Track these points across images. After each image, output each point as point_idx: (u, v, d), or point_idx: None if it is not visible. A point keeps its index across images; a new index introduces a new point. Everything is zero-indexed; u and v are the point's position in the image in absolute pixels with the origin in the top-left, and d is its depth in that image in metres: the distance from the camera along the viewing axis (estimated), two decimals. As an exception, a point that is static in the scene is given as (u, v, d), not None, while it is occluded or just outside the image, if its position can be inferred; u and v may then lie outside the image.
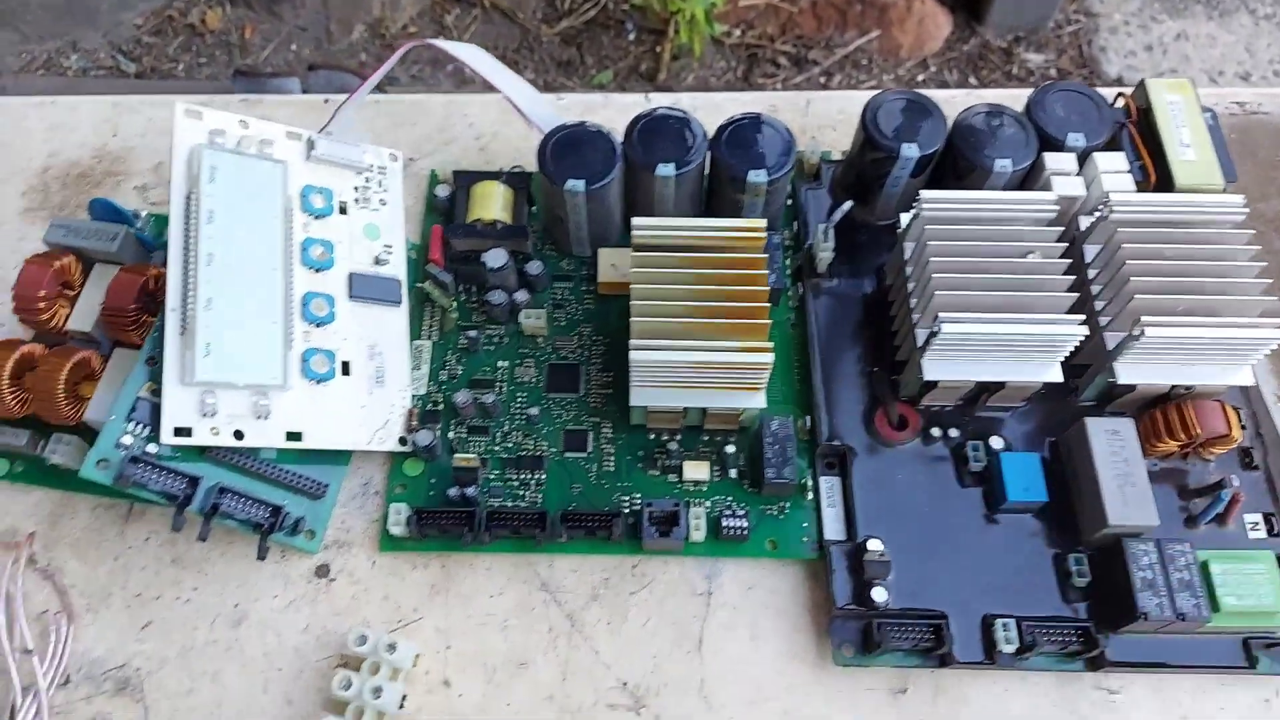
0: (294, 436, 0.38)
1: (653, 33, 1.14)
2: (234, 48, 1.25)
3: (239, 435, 0.37)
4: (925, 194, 0.38)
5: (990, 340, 0.36)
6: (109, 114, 0.51)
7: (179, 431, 0.36)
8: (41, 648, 0.37)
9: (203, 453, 0.37)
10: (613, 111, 0.52)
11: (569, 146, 0.42)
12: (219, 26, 1.24)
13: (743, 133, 0.42)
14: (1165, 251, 0.37)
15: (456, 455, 0.39)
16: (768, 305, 0.37)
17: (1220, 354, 0.37)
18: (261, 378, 0.37)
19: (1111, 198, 0.38)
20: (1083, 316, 0.36)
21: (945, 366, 0.38)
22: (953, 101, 0.45)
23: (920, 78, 1.14)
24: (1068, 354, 0.37)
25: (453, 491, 0.39)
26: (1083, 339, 0.36)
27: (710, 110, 0.51)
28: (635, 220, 0.39)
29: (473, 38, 1.20)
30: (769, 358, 0.35)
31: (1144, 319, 0.36)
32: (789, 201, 0.47)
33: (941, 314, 0.36)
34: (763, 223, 0.39)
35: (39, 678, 0.36)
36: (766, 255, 0.38)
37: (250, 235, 0.39)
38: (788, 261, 0.45)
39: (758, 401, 0.38)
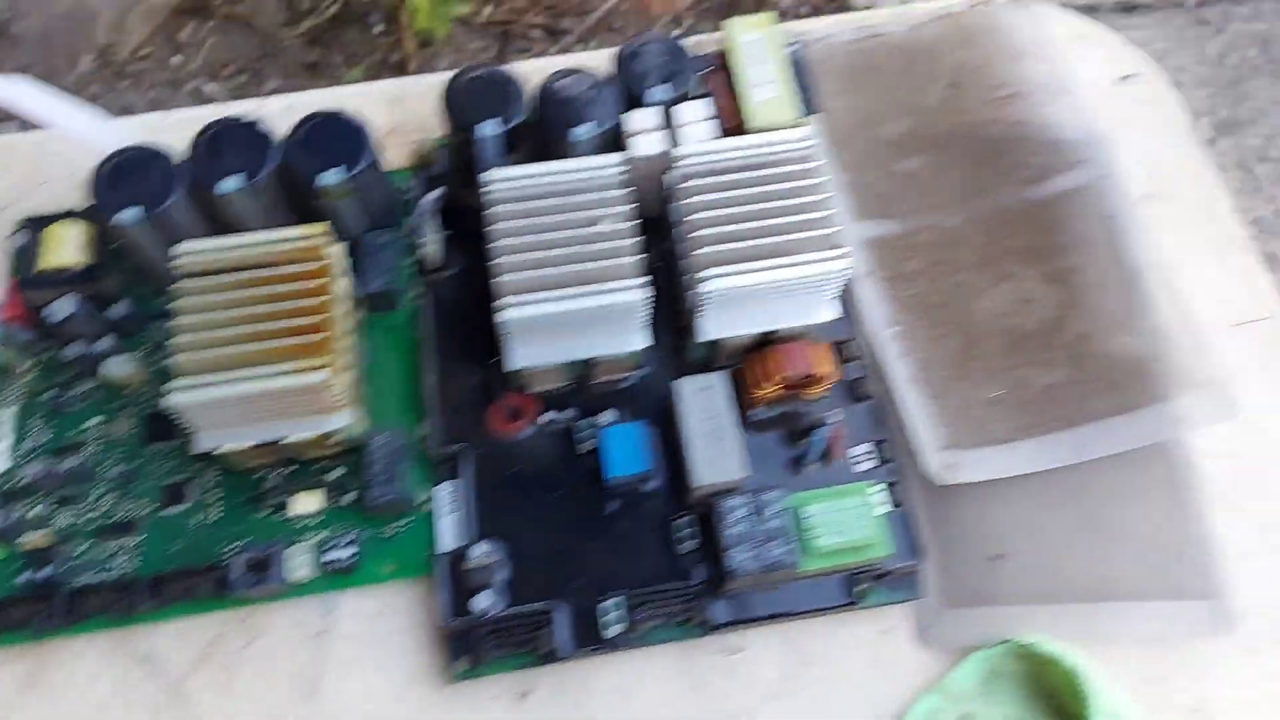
0: None
1: (398, 22, 1.10)
2: (-45, 96, 1.15)
3: None
4: (489, 175, 0.37)
5: (565, 319, 0.35)
6: None
7: None
8: None
9: None
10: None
11: (123, 173, 0.39)
12: (-70, 75, 1.14)
13: (315, 134, 0.40)
14: (730, 199, 0.36)
15: (22, 537, 0.36)
16: (325, 317, 0.34)
17: (796, 294, 0.36)
18: None
19: (672, 152, 0.37)
20: (641, 281, 0.35)
21: (526, 353, 0.36)
22: (544, 69, 0.43)
23: (675, 34, 1.13)
24: (647, 319, 0.36)
25: (24, 577, 0.35)
26: (661, 302, 0.35)
27: (333, 105, 0.48)
28: (181, 245, 0.36)
29: (211, 52, 1.13)
30: (321, 376, 0.33)
31: (702, 273, 0.35)
32: (407, 197, 0.44)
33: (503, 300, 0.34)
34: (320, 227, 0.36)
35: None
36: (331, 262, 0.36)
37: None
38: (405, 261, 0.43)
39: (339, 421, 0.36)
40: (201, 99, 1.09)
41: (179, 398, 0.33)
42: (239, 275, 0.35)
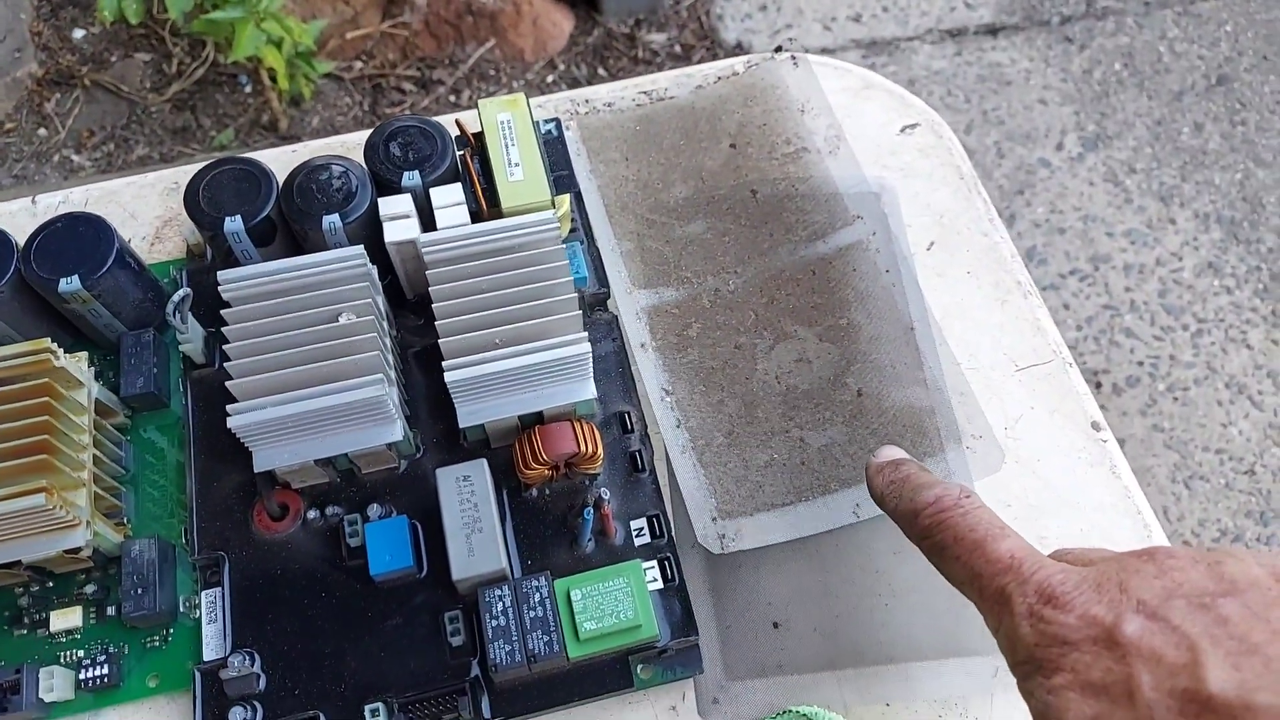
0: None
1: (263, 83, 1.09)
2: None
3: None
4: (221, 275, 0.36)
5: (304, 420, 0.34)
6: None
7: None
8: None
9: None
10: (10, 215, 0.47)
11: None
12: None
13: (56, 238, 0.38)
14: (478, 285, 0.36)
15: None
16: (45, 438, 0.33)
17: (549, 377, 0.36)
18: None
19: (418, 239, 0.37)
20: (386, 376, 0.34)
21: (275, 454, 0.35)
22: (299, 157, 0.43)
23: (550, 78, 1.14)
24: (390, 412, 0.35)
25: None
26: (392, 396, 0.34)
27: (106, 202, 0.47)
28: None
29: (77, 121, 1.11)
30: (37, 500, 0.32)
31: (446, 363, 0.34)
32: (174, 292, 0.43)
33: (234, 405, 0.33)
34: (44, 342, 0.35)
35: None
36: (49, 379, 0.35)
37: None
38: (176, 360, 0.42)
39: (80, 538, 0.35)
40: (69, 170, 1.07)
41: (-113, 533, 0.31)
42: (-39, 399, 0.34)
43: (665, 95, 0.50)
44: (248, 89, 1.09)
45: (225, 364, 0.34)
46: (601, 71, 1.14)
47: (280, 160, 0.47)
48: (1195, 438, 0.96)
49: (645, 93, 0.50)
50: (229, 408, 0.33)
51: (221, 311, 0.35)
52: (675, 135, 0.48)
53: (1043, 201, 1.14)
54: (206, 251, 0.43)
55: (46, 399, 0.34)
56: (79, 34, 1.14)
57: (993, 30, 1.27)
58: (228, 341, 0.35)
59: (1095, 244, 1.12)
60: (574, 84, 1.12)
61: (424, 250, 0.37)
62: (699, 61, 1.16)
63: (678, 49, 1.15)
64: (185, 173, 0.49)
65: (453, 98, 1.10)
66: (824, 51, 1.20)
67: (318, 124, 1.08)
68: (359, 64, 1.11)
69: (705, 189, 0.46)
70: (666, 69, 1.15)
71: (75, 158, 1.06)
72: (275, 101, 1.04)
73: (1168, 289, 1.08)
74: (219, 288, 0.36)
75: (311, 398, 0.34)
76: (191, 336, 0.40)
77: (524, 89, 1.11)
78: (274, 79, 0.99)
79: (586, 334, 0.35)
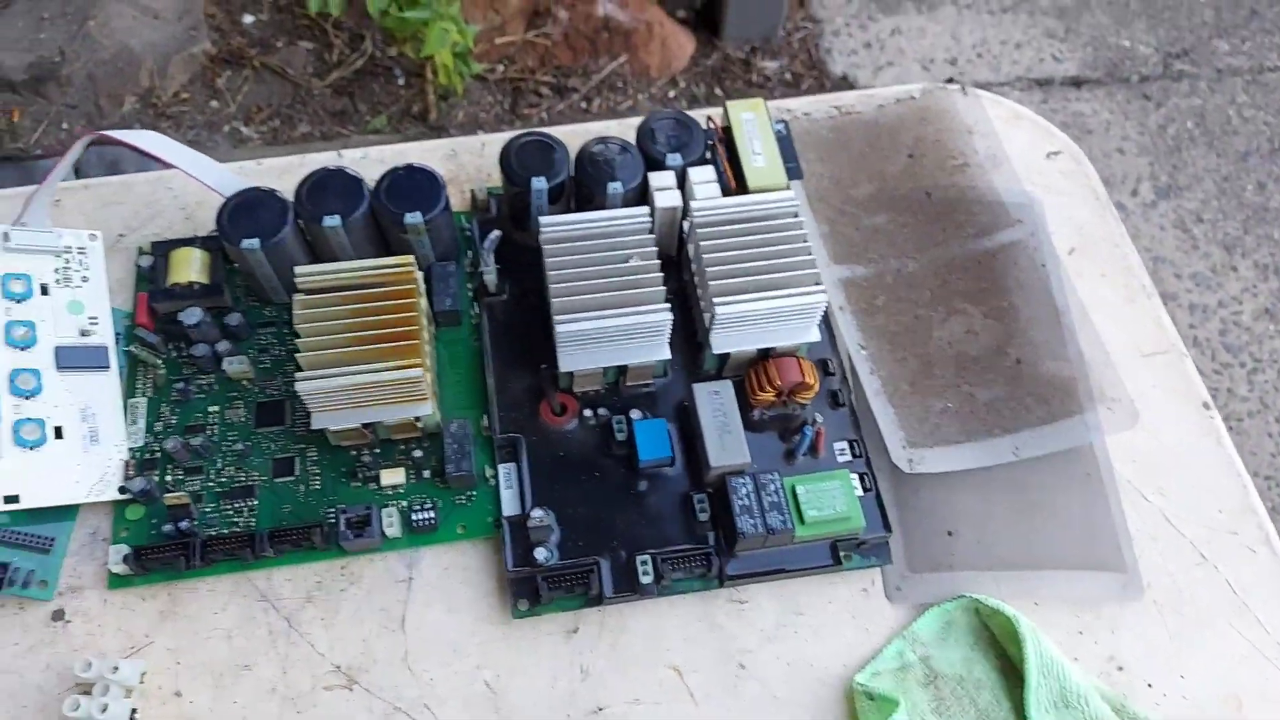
0: (11, 499, 0.42)
1: (420, 76, 1.20)
2: (3, 133, 1.24)
3: (-46, 507, 0.41)
4: (543, 220, 0.46)
5: (604, 333, 0.44)
6: None
7: (-107, 512, 0.40)
8: None
9: (-78, 528, 0.41)
10: (307, 170, 0.57)
11: (244, 209, 0.48)
12: (-19, 112, 1.23)
13: (400, 183, 0.49)
14: (736, 243, 0.46)
15: (166, 495, 0.44)
16: (417, 328, 0.44)
17: (787, 319, 0.46)
18: (-31, 453, 0.41)
19: (692, 205, 0.47)
20: (668, 305, 0.44)
21: (576, 358, 0.46)
22: (583, 134, 0.53)
23: (671, 94, 1.25)
24: (668, 335, 0.45)
25: (169, 528, 0.44)
26: (683, 323, 0.44)
27: (397, 160, 0.57)
28: (299, 268, 0.45)
29: (246, 98, 1.23)
30: (417, 372, 0.42)
31: (716, 300, 0.44)
32: (466, 233, 0.54)
33: (557, 316, 0.44)
34: (409, 259, 0.45)
35: None
36: (416, 285, 0.45)
37: (-52, 327, 0.43)
38: (468, 286, 0.52)
39: (425, 409, 0.45)
40: (238, 140, 1.19)
41: (304, 386, 0.42)
42: (348, 293, 0.44)
43: (853, 111, 0.60)
44: (400, 81, 1.21)
45: (550, 285, 0.45)
46: (718, 91, 1.25)
47: (566, 135, 0.56)
48: (1248, 464, 1.05)
49: (836, 108, 0.60)
50: (558, 317, 0.43)
51: (543, 247, 0.46)
52: (862, 144, 0.58)
53: (1116, 242, 1.23)
54: (490, 205, 0.54)
55: (415, 299, 0.44)
56: (248, 19, 1.26)
57: (1077, 83, 1.37)
58: (546, 270, 0.45)
59: (1164, 283, 1.21)
60: (693, 101, 1.23)
61: (695, 214, 0.47)
62: (807, 89, 1.27)
63: (788, 76, 1.26)
64: (460, 143, 0.59)
65: (584, 104, 1.21)
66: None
67: (463, 118, 1.19)
68: (501, 67, 1.23)
69: (887, 189, 0.56)
70: (777, 95, 1.26)
71: (244, 129, 1.18)
72: (431, 94, 1.15)
73: (1227, 329, 1.17)
74: (540, 230, 0.46)
75: (611, 316, 0.44)
76: (489, 269, 0.50)
77: (647, 102, 1.22)
78: (435, 73, 1.10)
79: (823, 286, 0.45)
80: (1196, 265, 1.25)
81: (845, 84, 1.27)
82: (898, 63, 1.29)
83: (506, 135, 0.57)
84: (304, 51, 1.23)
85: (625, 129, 0.58)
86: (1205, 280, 1.24)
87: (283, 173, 0.57)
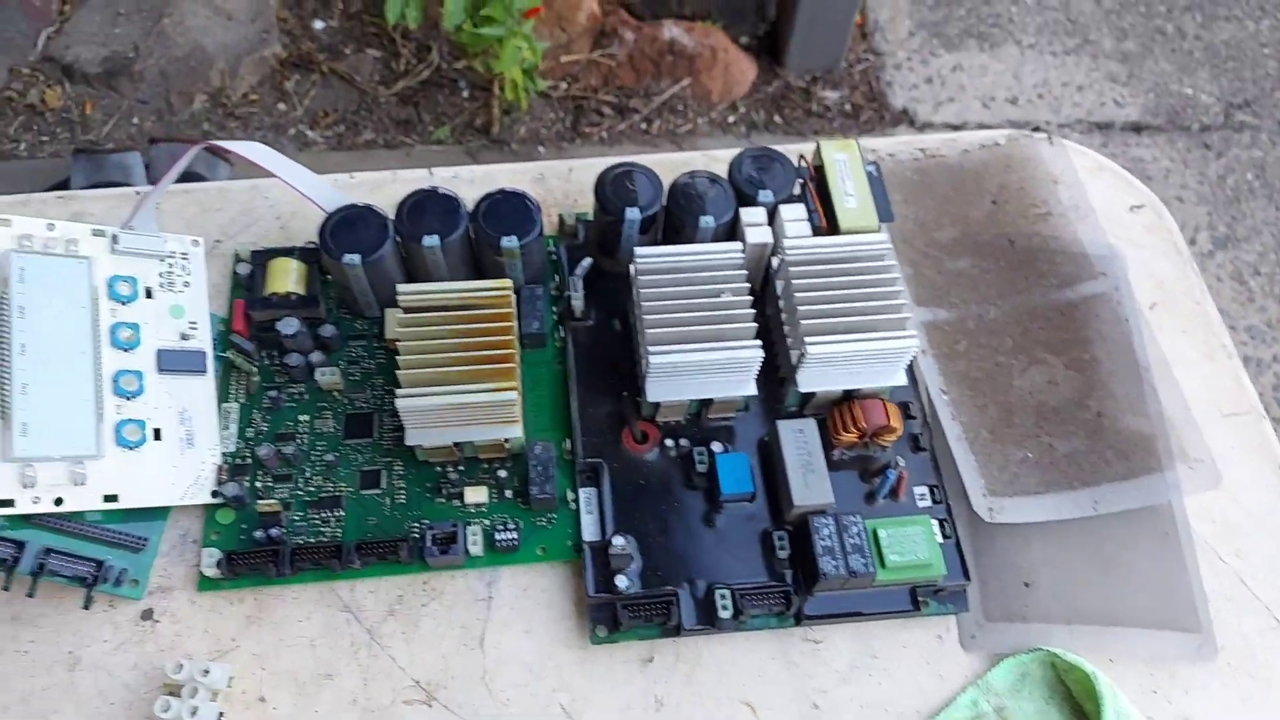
0: (111, 498, 0.43)
1: (484, 89, 1.22)
2: (75, 125, 1.27)
3: (59, 501, 0.42)
4: (638, 251, 0.47)
5: (693, 366, 0.45)
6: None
7: (2, 503, 0.41)
8: (-117, 711, 0.41)
9: (26, 520, 0.42)
10: (399, 187, 0.58)
11: (346, 225, 0.49)
12: (59, 105, 1.26)
13: (497, 206, 0.50)
14: (828, 284, 0.47)
15: (260, 502, 0.45)
16: (513, 351, 0.44)
17: (875, 362, 0.46)
18: (76, 450, 0.42)
19: (784, 243, 0.47)
20: (759, 342, 0.45)
21: (663, 389, 0.46)
22: (685, 164, 0.54)
23: (731, 119, 1.26)
24: (758, 372, 0.46)
25: (259, 534, 0.45)
26: (770, 360, 0.45)
27: (486, 182, 0.58)
28: (401, 287, 0.46)
29: (313, 102, 1.25)
30: (512, 395, 0.43)
31: (807, 339, 0.45)
32: (552, 258, 0.55)
33: (650, 347, 0.44)
34: (507, 283, 0.46)
35: (-118, 738, 0.41)
36: (512, 310, 0.46)
37: (60, 325, 0.44)
38: (553, 310, 0.53)
39: (515, 432, 0.46)
40: (304, 143, 1.21)
41: (404, 404, 0.43)
42: (447, 313, 0.45)
43: (937, 154, 0.60)
44: (465, 93, 1.23)
45: (642, 316, 0.45)
46: (777, 119, 1.25)
47: (654, 164, 0.57)
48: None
49: (921, 150, 0.60)
50: (652, 349, 0.44)
51: (636, 277, 0.46)
52: (945, 187, 0.59)
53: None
54: (577, 230, 0.55)
55: (511, 322, 0.45)
56: (319, 25, 1.29)
57: (1137, 128, 1.37)
58: (638, 300, 0.46)
59: (1219, 335, 1.20)
60: (752, 127, 1.24)
61: (788, 252, 0.47)
62: (866, 121, 1.27)
63: (848, 107, 1.26)
64: (547, 167, 0.60)
65: (644, 125, 1.23)
66: (980, 128, 1.30)
67: (524, 133, 1.21)
68: (564, 84, 1.24)
69: (970, 234, 0.57)
70: (836, 124, 1.27)
71: (309, 133, 1.20)
72: (496, 108, 1.17)
73: (1283, 385, 1.16)
74: (635, 260, 0.47)
75: (703, 350, 0.44)
76: (577, 295, 0.51)
77: (707, 126, 1.23)
78: (501, 88, 1.12)
79: (915, 331, 0.45)
80: (1252, 318, 1.24)
81: (905, 118, 1.27)
82: (958, 99, 1.29)
83: (593, 161, 0.58)
84: (371, 59, 1.25)
85: (710, 161, 0.59)
86: (1260, 334, 1.23)
87: (374, 188, 0.58)
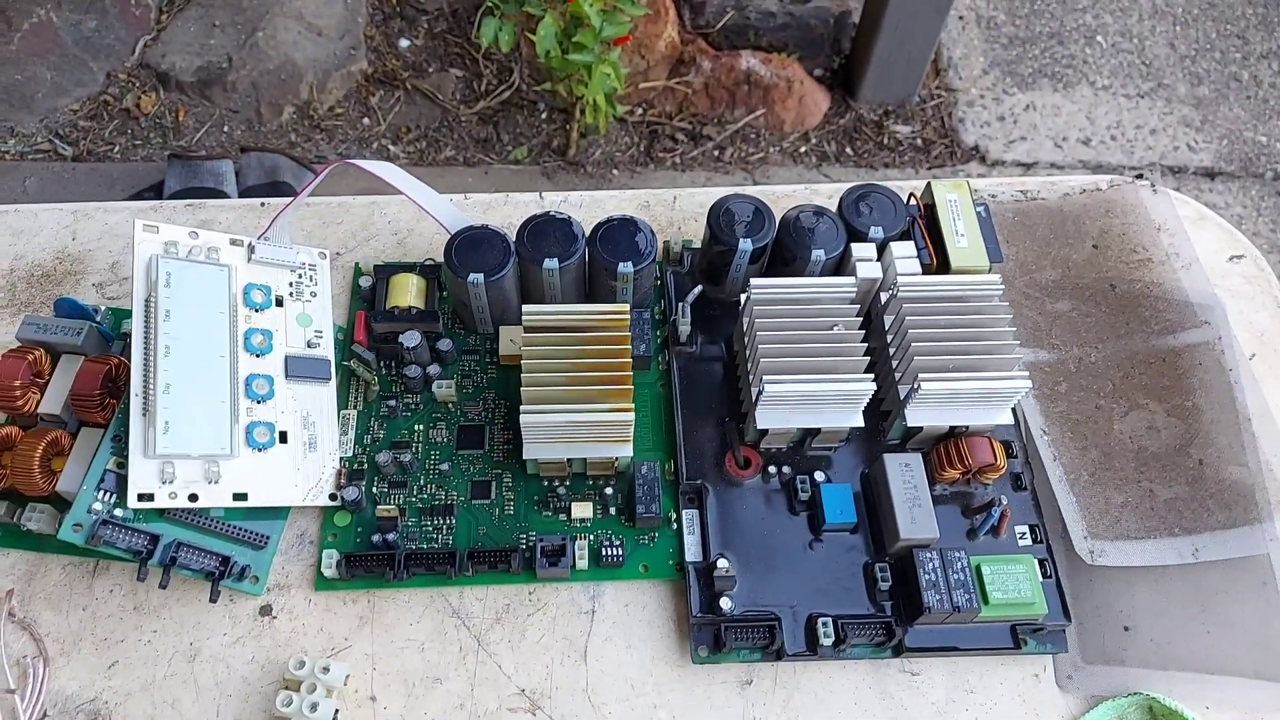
0: (240, 497, 0.45)
1: (562, 112, 1.25)
2: (168, 130, 1.31)
3: (194, 498, 0.44)
4: (754, 281, 0.48)
5: (805, 396, 0.46)
6: (68, 220, 0.58)
7: (142, 497, 0.43)
8: (22, 688, 0.44)
9: (161, 514, 0.44)
10: (510, 209, 0.61)
11: (470, 245, 0.51)
12: (153, 110, 1.31)
13: (613, 232, 0.51)
14: (939, 321, 0.47)
15: (379, 507, 0.47)
16: (630, 373, 0.46)
17: (984, 400, 0.47)
18: (212, 449, 0.45)
19: (898, 280, 0.48)
20: (872, 376, 0.46)
21: (773, 417, 0.47)
22: (788, 196, 0.55)
23: (803, 149, 1.27)
24: (865, 404, 0.47)
25: (376, 538, 0.46)
26: (874, 393, 0.46)
27: (593, 207, 0.60)
28: (526, 307, 0.47)
29: (396, 118, 1.29)
30: (630, 415, 0.44)
31: (920, 376, 0.46)
32: (657, 283, 0.56)
33: (765, 376, 0.45)
34: (625, 307, 0.48)
35: (20, 714, 0.43)
36: (630, 333, 0.47)
37: (201, 329, 0.46)
38: (657, 333, 0.54)
39: (626, 451, 0.47)
40: (385, 157, 1.24)
41: (527, 419, 0.44)
42: (569, 334, 0.47)
43: (1037, 196, 0.61)
44: (543, 115, 1.25)
45: (756, 345, 0.46)
46: (848, 150, 1.26)
47: (759, 194, 0.58)
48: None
49: (1023, 192, 0.61)
50: (766, 377, 0.45)
51: (751, 307, 0.48)
52: (1046, 230, 0.59)
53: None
54: (683, 257, 0.56)
55: (628, 345, 0.47)
56: (404, 43, 1.33)
57: (1210, 174, 1.36)
58: (751, 330, 0.47)
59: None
60: (823, 158, 1.25)
61: (901, 288, 0.48)
62: (936, 157, 1.28)
63: (919, 142, 1.27)
64: (653, 194, 0.62)
65: (716, 153, 1.24)
66: (1052, 167, 1.30)
67: (599, 156, 1.23)
68: (640, 110, 1.26)
69: (1070, 277, 0.57)
70: (907, 158, 1.27)
71: (392, 148, 1.24)
72: (575, 131, 1.19)
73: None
74: (750, 290, 0.48)
75: (815, 381, 0.45)
76: (684, 321, 0.52)
77: (779, 156, 1.24)
78: (583, 112, 1.14)
79: (1027, 372, 0.46)
80: (1327, 370, 1.22)
81: (975, 154, 1.27)
82: (1030, 138, 1.30)
83: (700, 191, 0.60)
84: (454, 78, 1.28)
85: (813, 195, 0.60)
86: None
87: (487, 208, 0.60)
